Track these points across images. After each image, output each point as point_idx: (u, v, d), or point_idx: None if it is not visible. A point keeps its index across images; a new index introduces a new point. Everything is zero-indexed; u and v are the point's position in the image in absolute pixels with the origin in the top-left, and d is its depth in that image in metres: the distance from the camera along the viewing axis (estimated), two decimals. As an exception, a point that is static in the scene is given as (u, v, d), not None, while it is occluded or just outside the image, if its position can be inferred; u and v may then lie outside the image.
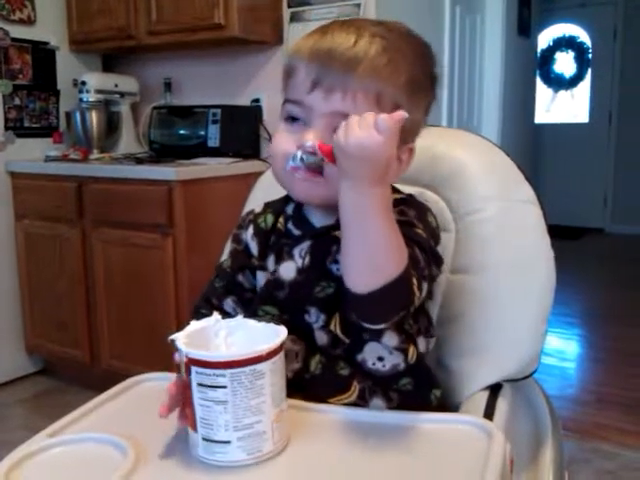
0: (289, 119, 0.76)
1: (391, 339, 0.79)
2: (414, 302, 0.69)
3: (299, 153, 0.72)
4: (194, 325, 0.69)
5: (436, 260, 0.77)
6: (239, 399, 0.62)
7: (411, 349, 0.80)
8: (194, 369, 0.62)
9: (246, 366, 0.61)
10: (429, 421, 0.72)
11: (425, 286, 0.72)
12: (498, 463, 0.61)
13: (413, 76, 0.75)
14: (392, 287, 0.64)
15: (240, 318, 0.71)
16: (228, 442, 0.63)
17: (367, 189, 0.62)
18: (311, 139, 0.71)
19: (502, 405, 0.84)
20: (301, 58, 0.74)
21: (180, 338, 0.65)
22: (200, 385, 0.62)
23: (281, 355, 0.65)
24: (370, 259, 0.64)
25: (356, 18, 0.77)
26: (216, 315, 0.70)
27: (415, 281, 0.68)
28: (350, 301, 0.68)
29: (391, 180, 0.81)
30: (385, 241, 0.64)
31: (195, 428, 0.64)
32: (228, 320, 0.70)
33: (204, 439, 0.63)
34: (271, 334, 0.66)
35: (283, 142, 0.76)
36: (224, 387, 0.61)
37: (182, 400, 0.67)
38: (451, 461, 0.65)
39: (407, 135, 0.77)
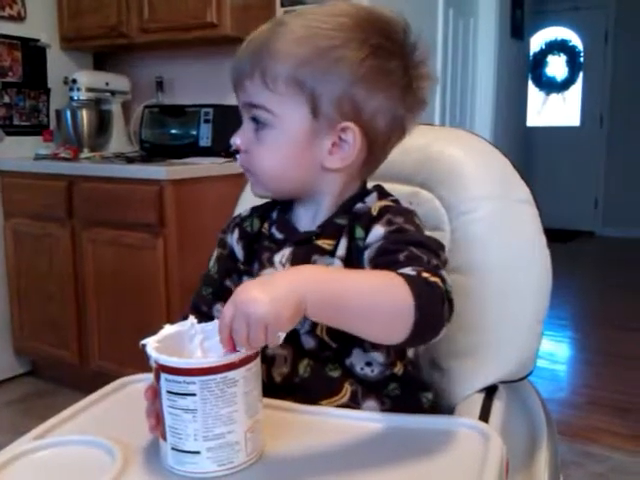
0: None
1: (379, 357, 0.78)
2: (448, 296, 0.66)
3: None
4: (168, 329, 0.66)
5: (440, 246, 0.75)
6: (209, 407, 0.59)
7: (397, 367, 0.79)
8: (163, 376, 0.60)
9: (217, 373, 0.58)
10: (424, 423, 0.71)
11: (444, 273, 0.68)
12: (495, 466, 0.60)
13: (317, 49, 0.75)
14: (422, 312, 0.62)
15: (217, 322, 0.68)
16: (197, 452, 0.60)
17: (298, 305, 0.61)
18: (237, 138, 0.80)
19: (498, 407, 0.83)
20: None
21: (151, 343, 0.62)
22: (169, 392, 0.60)
23: (257, 362, 0.62)
24: (385, 319, 0.63)
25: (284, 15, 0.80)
26: (191, 319, 0.66)
27: (433, 278, 0.65)
28: (400, 346, 0.71)
29: (336, 164, 0.78)
30: (372, 298, 0.63)
31: (164, 437, 0.62)
32: (204, 324, 0.67)
33: (173, 449, 0.61)
34: None
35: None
36: (193, 395, 0.58)
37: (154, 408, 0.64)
38: (448, 464, 0.63)
39: (341, 111, 0.75)
